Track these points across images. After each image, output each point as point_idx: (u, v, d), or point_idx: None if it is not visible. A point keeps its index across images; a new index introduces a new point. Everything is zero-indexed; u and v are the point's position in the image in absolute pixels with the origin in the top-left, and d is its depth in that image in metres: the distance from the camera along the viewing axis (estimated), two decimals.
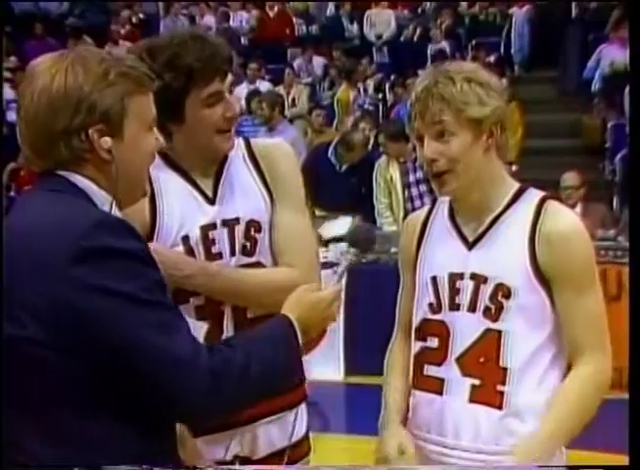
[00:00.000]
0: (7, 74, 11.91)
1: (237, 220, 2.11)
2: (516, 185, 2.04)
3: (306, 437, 2.25)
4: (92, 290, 1.43)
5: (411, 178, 6.92)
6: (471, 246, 2.02)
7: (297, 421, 2.17)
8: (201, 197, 2.12)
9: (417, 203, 6.93)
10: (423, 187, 6.89)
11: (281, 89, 10.96)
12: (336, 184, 7.31)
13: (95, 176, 1.56)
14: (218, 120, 2.07)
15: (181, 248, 2.08)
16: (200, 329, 2.04)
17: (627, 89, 9.58)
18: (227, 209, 2.10)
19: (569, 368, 1.99)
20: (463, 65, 2.06)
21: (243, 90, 11.02)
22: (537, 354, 1.96)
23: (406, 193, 6.97)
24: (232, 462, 2.16)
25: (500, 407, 1.95)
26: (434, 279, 2.04)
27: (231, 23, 13.79)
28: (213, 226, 2.09)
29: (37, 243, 1.47)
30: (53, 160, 1.55)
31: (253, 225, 2.11)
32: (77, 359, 1.44)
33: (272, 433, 2.16)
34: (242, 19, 13.77)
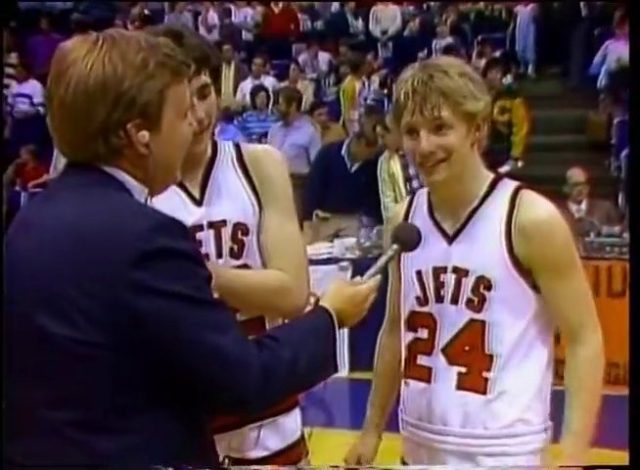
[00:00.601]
0: (9, 70, 11.93)
1: (224, 222, 2.10)
2: (490, 176, 2.08)
3: (301, 440, 2.23)
4: (152, 292, 1.41)
5: (411, 171, 6.91)
6: (451, 240, 2.06)
7: (290, 425, 2.18)
8: (187, 198, 2.11)
9: None
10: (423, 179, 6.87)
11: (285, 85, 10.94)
12: (345, 185, 7.30)
13: (131, 169, 1.52)
14: None
15: None
16: None
17: None
18: (213, 211, 2.09)
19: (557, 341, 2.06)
20: (449, 59, 2.09)
21: (247, 85, 11.03)
22: (520, 340, 2.01)
23: (408, 186, 6.97)
24: (222, 462, 2.15)
25: (485, 393, 2.01)
26: (418, 273, 2.09)
27: (235, 19, 13.78)
28: (200, 228, 2.08)
29: (93, 244, 1.42)
30: (89, 153, 1.50)
31: (240, 228, 2.11)
32: (133, 360, 1.43)
33: (265, 436, 2.15)
34: (246, 15, 13.76)
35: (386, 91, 10.78)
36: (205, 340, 1.44)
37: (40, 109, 11.79)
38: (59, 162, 10.42)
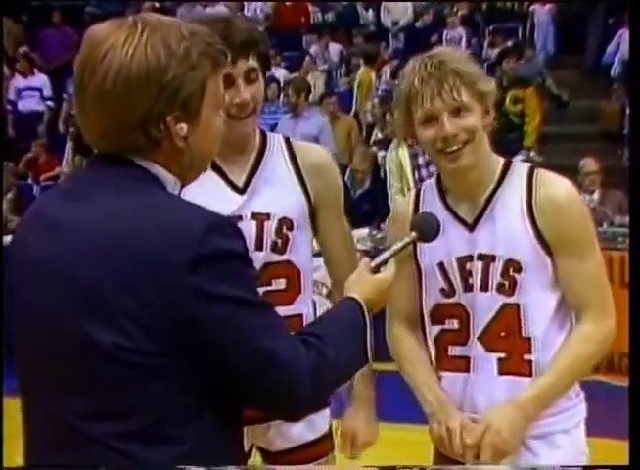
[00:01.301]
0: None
1: (268, 216, 2.09)
2: (501, 159, 2.07)
3: (329, 434, 2.24)
4: (210, 297, 1.35)
5: (420, 160, 6.90)
6: (472, 228, 2.03)
7: (320, 419, 2.19)
8: (226, 185, 2.11)
9: None
10: (432, 168, 6.87)
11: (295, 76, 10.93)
12: (348, 211, 7.32)
13: (166, 163, 1.45)
14: (226, 104, 2.01)
15: None
16: None
17: None
18: (258, 202, 2.08)
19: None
20: (447, 48, 2.14)
21: None
22: (555, 318, 2.00)
23: (416, 175, 6.95)
24: (249, 451, 2.18)
25: (530, 375, 1.99)
26: (441, 265, 2.05)
27: (247, 11, 13.76)
28: (240, 218, 2.07)
29: (143, 247, 1.35)
30: (125, 145, 1.42)
31: (286, 223, 2.10)
32: (184, 367, 1.37)
33: (293, 427, 2.16)
34: (257, 7, 13.74)
35: (397, 82, 10.76)
36: (263, 344, 1.39)
37: (50, 103, 11.83)
38: (71, 155, 10.45)
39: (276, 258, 2.10)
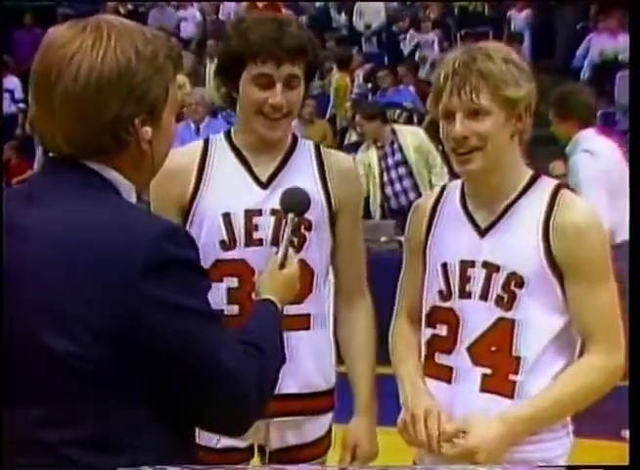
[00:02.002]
0: None
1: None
2: (529, 171, 1.99)
3: (328, 434, 2.25)
4: (164, 306, 1.34)
5: (390, 162, 6.93)
6: (483, 233, 1.97)
7: (323, 421, 2.22)
8: (251, 178, 2.13)
9: (397, 186, 6.95)
10: (401, 170, 6.91)
11: None
12: None
13: (122, 167, 1.43)
14: (260, 102, 2.06)
15: (221, 224, 2.09)
16: (228, 313, 2.06)
17: (617, 77, 9.61)
18: (279, 199, 2.07)
19: (580, 354, 1.96)
20: (496, 44, 1.99)
21: None
22: (550, 343, 1.93)
23: (385, 177, 6.98)
24: (250, 449, 2.21)
25: (512, 397, 1.91)
26: (444, 266, 2.00)
27: (221, 14, 13.75)
28: (259, 212, 2.10)
29: (98, 254, 1.33)
30: (89, 149, 1.40)
31: (304, 222, 2.11)
32: (137, 375, 1.35)
33: (293, 428, 2.18)
34: (230, 10, 13.73)
35: (370, 85, 10.80)
36: (213, 355, 1.39)
37: (21, 105, 11.74)
38: (43, 158, 10.38)
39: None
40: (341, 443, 2.22)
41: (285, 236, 1.86)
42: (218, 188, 2.12)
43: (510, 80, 1.88)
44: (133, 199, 1.47)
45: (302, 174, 2.15)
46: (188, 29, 13.02)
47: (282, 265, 1.81)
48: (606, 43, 10.43)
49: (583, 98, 5.06)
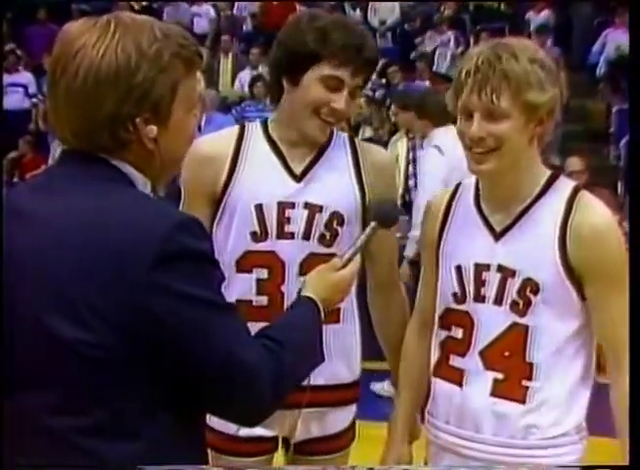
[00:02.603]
0: None
1: (320, 208, 2.09)
2: (547, 172, 1.94)
3: (349, 429, 2.26)
4: (173, 295, 1.34)
5: (419, 154, 6.91)
6: (498, 237, 1.93)
7: (345, 414, 2.23)
8: (285, 171, 2.12)
9: None
10: None
11: None
12: None
13: (136, 163, 1.45)
14: (322, 103, 2.05)
15: (254, 215, 2.08)
16: (256, 303, 2.07)
17: None
18: (312, 192, 2.09)
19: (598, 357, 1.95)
20: (525, 42, 1.91)
21: (246, 75, 11.02)
22: (564, 348, 1.90)
23: (410, 169, 6.97)
24: (275, 443, 2.22)
25: (524, 402, 1.90)
26: (458, 268, 1.96)
27: (235, 9, 13.75)
28: (292, 205, 2.09)
29: (112, 243, 1.34)
30: (93, 144, 1.42)
31: (337, 217, 2.10)
32: (146, 364, 1.36)
33: (319, 419, 2.19)
34: (245, 5, 13.73)
35: (384, 81, 10.77)
36: (230, 348, 1.38)
37: (35, 100, 11.76)
38: (57, 152, 10.40)
39: (322, 250, 2.09)
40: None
41: (358, 242, 1.83)
42: (252, 178, 2.11)
43: (534, 83, 1.81)
44: (147, 191, 1.47)
45: (337, 168, 2.14)
46: (202, 25, 13.01)
47: (343, 267, 1.76)
48: (622, 38, 10.35)
49: (440, 99, 5.12)
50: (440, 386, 2.01)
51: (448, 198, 2.05)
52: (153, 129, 1.42)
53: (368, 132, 9.49)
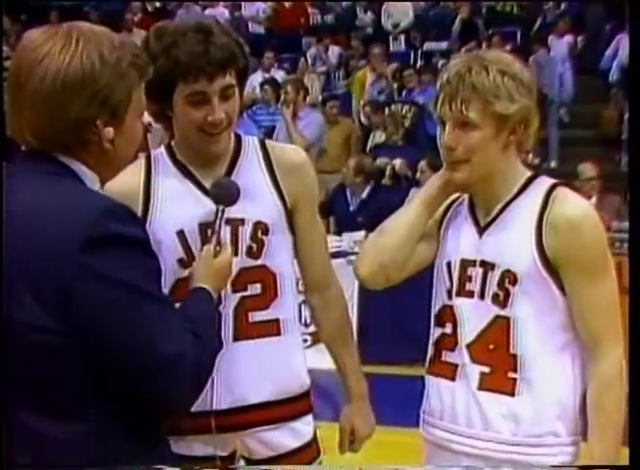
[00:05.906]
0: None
1: (242, 221, 2.06)
2: (527, 173, 2.01)
3: (313, 441, 2.21)
4: (97, 278, 1.44)
5: None
6: (481, 232, 2.00)
7: (303, 427, 2.18)
8: (199, 191, 2.07)
9: None
10: None
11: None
12: (344, 224, 7.60)
13: (89, 161, 1.57)
14: (199, 121, 2.00)
15: (177, 242, 2.05)
16: None
17: None
18: (231, 207, 2.02)
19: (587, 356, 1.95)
20: (500, 55, 2.00)
21: (257, 78, 11.00)
22: (548, 340, 1.93)
23: None
24: (233, 457, 2.16)
25: (513, 394, 1.93)
26: (448, 265, 2.03)
27: (246, 12, 13.76)
28: (213, 224, 2.03)
29: (46, 231, 1.46)
30: (56, 144, 1.54)
31: (261, 227, 2.08)
32: (81, 346, 1.45)
33: (276, 436, 2.14)
34: (258, 8, 13.74)
35: (396, 84, 10.76)
36: (145, 331, 1.47)
37: None
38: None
39: (251, 262, 2.07)
40: (339, 430, 2.25)
41: (215, 227, 1.89)
42: (168, 207, 2.07)
43: (503, 95, 1.88)
44: (96, 188, 1.60)
45: (251, 176, 2.10)
46: None
47: (215, 255, 1.86)
48: None
49: None
50: (433, 383, 2.05)
51: (451, 199, 2.10)
52: (110, 131, 1.55)
53: (378, 137, 9.46)
